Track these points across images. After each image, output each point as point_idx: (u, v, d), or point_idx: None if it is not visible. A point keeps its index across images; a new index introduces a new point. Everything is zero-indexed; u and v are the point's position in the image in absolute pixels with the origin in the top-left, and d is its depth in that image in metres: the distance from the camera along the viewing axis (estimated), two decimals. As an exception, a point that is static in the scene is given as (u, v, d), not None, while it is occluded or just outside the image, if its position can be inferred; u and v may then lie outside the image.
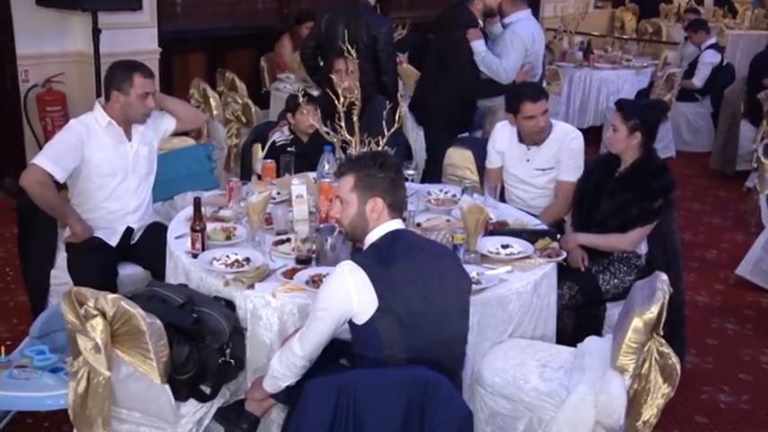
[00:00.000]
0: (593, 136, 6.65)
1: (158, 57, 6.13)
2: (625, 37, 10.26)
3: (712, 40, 7.67)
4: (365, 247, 2.39)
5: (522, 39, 4.88)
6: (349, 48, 3.45)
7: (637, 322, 2.52)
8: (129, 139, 3.51)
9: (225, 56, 6.98)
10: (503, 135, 4.00)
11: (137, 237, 3.57)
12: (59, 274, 3.48)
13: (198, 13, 6.83)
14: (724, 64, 7.70)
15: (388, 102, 3.64)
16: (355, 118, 3.22)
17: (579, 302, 3.39)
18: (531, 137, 3.85)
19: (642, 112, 3.48)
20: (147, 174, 3.61)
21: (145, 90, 3.39)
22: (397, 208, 2.40)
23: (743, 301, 4.60)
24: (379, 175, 2.36)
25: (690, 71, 7.60)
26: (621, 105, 3.53)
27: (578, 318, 3.42)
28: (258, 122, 5.36)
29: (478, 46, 4.86)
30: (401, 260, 2.28)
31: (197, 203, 2.99)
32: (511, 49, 4.85)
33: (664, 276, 2.68)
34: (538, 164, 3.89)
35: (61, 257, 3.49)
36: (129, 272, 3.50)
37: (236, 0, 7.08)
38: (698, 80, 7.51)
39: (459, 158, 4.42)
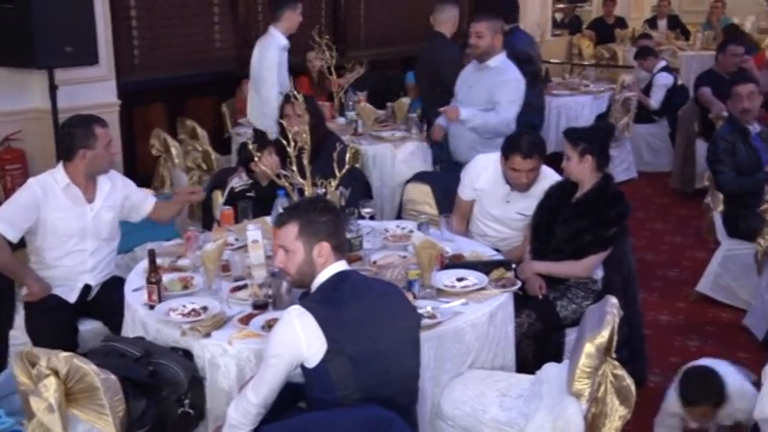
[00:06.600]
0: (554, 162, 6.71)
1: (118, 109, 6.15)
2: (584, 63, 10.44)
3: (662, 64, 7.84)
4: (312, 290, 2.42)
5: (519, 85, 4.73)
6: (295, 93, 3.49)
7: (588, 347, 2.56)
8: (91, 201, 3.48)
9: (185, 104, 6.98)
10: (485, 173, 3.90)
11: (94, 292, 3.56)
12: (18, 335, 3.45)
13: (156, 63, 6.83)
14: (678, 84, 7.87)
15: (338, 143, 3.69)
16: (306, 161, 3.26)
17: (538, 330, 3.42)
18: (514, 186, 3.79)
19: (587, 135, 3.57)
20: (107, 239, 3.56)
21: (108, 139, 3.44)
22: (341, 249, 2.44)
23: (704, 317, 4.65)
24: (322, 219, 2.39)
25: (646, 93, 7.76)
26: (567, 133, 3.63)
27: (538, 345, 3.44)
28: (218, 168, 5.39)
29: (465, 114, 4.72)
30: (348, 301, 2.31)
31: (152, 255, 3.01)
32: (509, 97, 4.68)
33: (613, 300, 2.73)
34: (519, 208, 3.82)
35: (19, 317, 3.47)
36: (90, 327, 3.49)
37: (194, 48, 7.13)
38: (654, 102, 7.67)
39: (417, 194, 4.45)
